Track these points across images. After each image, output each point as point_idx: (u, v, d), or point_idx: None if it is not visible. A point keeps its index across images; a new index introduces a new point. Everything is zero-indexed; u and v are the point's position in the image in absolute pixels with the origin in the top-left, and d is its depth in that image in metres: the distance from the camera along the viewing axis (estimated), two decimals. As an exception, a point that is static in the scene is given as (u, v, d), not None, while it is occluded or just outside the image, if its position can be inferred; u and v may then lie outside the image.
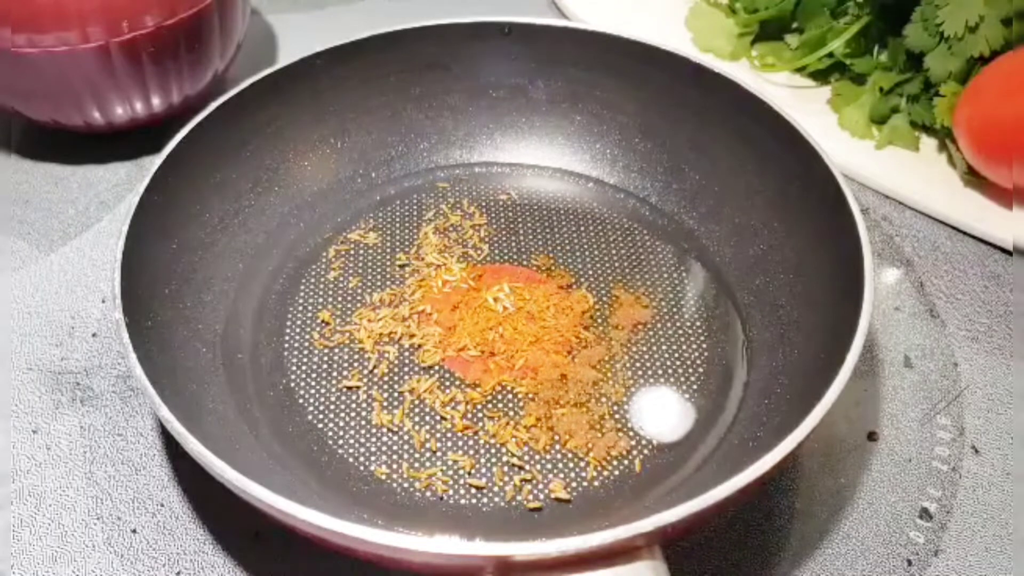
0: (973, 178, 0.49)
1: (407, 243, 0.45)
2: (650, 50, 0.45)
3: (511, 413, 0.38)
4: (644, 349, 0.40)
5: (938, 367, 0.41)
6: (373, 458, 0.36)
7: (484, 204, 0.47)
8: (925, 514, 0.36)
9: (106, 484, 0.38)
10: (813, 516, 0.36)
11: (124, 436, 0.39)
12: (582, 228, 0.45)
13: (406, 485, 0.35)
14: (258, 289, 0.43)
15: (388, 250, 0.45)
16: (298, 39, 0.61)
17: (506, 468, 0.36)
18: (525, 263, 0.44)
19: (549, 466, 0.36)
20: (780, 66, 0.56)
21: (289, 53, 0.47)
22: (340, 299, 0.42)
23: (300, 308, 0.42)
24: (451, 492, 0.35)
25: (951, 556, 0.35)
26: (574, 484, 0.35)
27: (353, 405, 0.38)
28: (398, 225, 0.46)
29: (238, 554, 0.35)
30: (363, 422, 0.37)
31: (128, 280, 0.35)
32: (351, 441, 0.37)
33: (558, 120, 0.48)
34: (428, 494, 0.35)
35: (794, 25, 0.57)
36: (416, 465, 0.36)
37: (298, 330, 0.41)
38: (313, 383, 0.39)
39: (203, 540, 0.36)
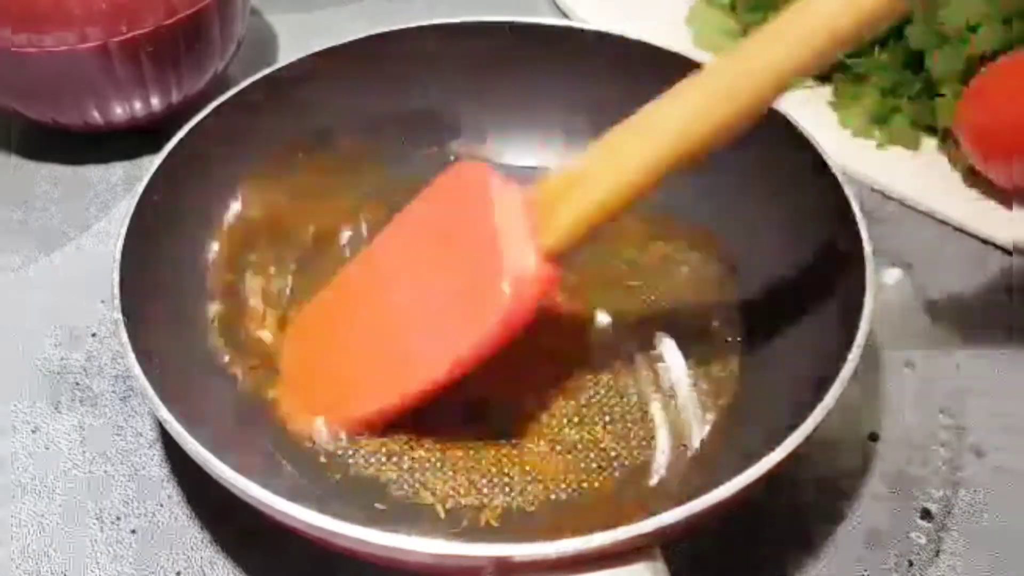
0: (974, 178, 0.49)
1: (407, 243, 0.45)
2: (650, 50, 0.45)
3: (511, 413, 0.38)
4: (643, 349, 0.40)
5: (938, 367, 0.41)
6: (373, 458, 0.36)
7: (484, 204, 0.47)
8: (926, 514, 0.36)
9: (106, 484, 0.37)
10: (813, 516, 0.36)
11: (124, 436, 0.39)
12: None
13: (406, 485, 0.35)
14: (259, 288, 0.42)
15: (388, 250, 0.45)
16: (298, 39, 0.61)
17: (506, 468, 0.36)
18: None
19: (549, 466, 0.36)
20: (780, 66, 0.56)
21: (289, 53, 0.46)
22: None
23: (301, 307, 0.42)
24: (451, 492, 0.35)
25: (952, 556, 0.35)
26: (574, 485, 0.35)
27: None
28: (398, 225, 0.46)
29: (238, 554, 0.35)
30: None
31: (128, 280, 0.35)
32: (351, 441, 0.37)
33: (558, 120, 0.48)
34: (428, 495, 0.35)
35: (794, 25, 0.57)
36: (416, 465, 0.36)
37: (300, 329, 0.41)
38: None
39: (203, 540, 0.36)
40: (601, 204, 0.32)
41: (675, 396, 0.38)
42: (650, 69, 0.45)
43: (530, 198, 0.33)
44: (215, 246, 0.42)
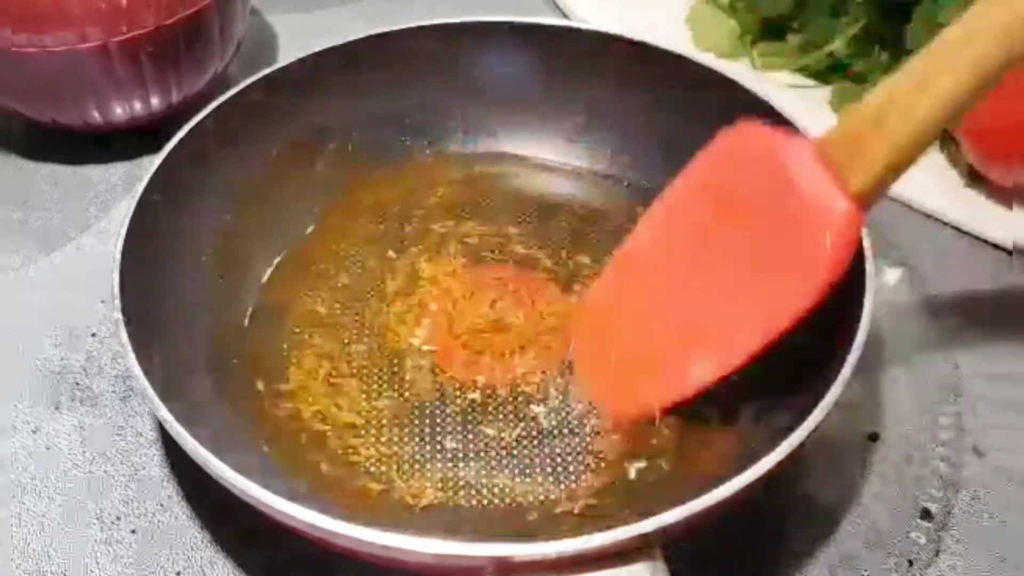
0: (973, 178, 0.49)
1: (406, 241, 0.45)
2: (650, 50, 0.45)
3: (511, 414, 0.38)
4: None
5: (938, 367, 0.41)
6: (373, 458, 0.36)
7: (484, 203, 0.47)
8: (926, 514, 0.36)
9: (106, 484, 0.37)
10: (813, 516, 0.36)
11: (124, 436, 0.39)
12: (582, 227, 0.45)
13: (406, 486, 0.35)
14: (258, 289, 0.43)
15: (387, 248, 0.45)
16: (298, 39, 0.61)
17: (506, 468, 0.36)
18: (524, 262, 0.44)
19: (549, 467, 0.36)
20: (781, 65, 0.56)
21: (289, 53, 0.47)
22: (341, 298, 0.42)
23: (300, 307, 0.42)
24: (450, 493, 0.35)
25: (952, 556, 0.35)
26: (574, 485, 0.35)
27: (353, 406, 0.38)
28: (397, 224, 0.46)
29: (238, 554, 0.35)
30: (364, 423, 0.37)
31: (128, 280, 0.35)
32: (351, 441, 0.37)
33: (558, 120, 0.48)
34: (427, 494, 0.35)
35: (795, 24, 0.57)
36: (416, 465, 0.36)
37: (298, 330, 0.41)
38: (312, 383, 0.39)
39: (203, 540, 0.36)
40: (918, 132, 0.30)
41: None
42: (650, 69, 0.45)
43: (822, 145, 0.32)
44: (214, 245, 0.42)
